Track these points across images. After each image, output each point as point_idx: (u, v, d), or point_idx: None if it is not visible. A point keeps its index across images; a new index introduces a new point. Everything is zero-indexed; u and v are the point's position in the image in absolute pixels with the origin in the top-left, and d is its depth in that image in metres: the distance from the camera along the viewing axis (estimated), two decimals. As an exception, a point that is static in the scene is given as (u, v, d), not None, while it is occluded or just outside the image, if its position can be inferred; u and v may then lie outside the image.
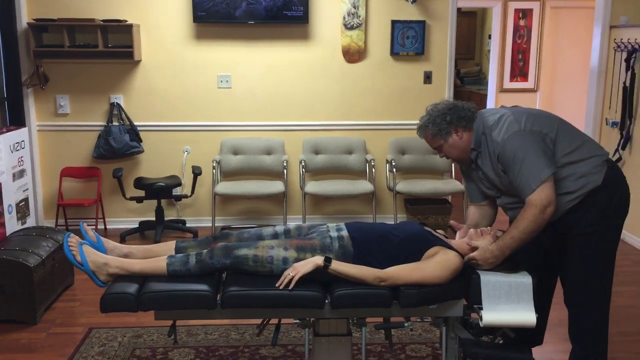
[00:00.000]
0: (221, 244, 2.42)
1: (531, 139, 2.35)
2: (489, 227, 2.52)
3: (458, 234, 2.60)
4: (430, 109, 2.53)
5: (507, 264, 2.44)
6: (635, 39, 4.72)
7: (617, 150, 4.95)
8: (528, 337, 2.71)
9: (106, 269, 2.40)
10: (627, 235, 4.94)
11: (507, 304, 2.36)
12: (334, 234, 2.46)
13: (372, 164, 5.19)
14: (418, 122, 2.57)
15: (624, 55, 4.85)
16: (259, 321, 2.67)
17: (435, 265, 2.34)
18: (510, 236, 2.34)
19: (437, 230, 2.62)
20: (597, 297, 2.53)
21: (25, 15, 4.87)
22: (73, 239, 2.43)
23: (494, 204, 2.64)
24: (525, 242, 2.36)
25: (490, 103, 7.88)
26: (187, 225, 5.22)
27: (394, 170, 5.12)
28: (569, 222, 2.44)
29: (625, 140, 4.87)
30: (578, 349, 2.60)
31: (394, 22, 5.11)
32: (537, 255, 2.54)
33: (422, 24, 5.11)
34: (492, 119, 2.46)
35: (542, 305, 2.53)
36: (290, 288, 2.28)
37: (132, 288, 2.33)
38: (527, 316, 2.36)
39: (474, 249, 2.42)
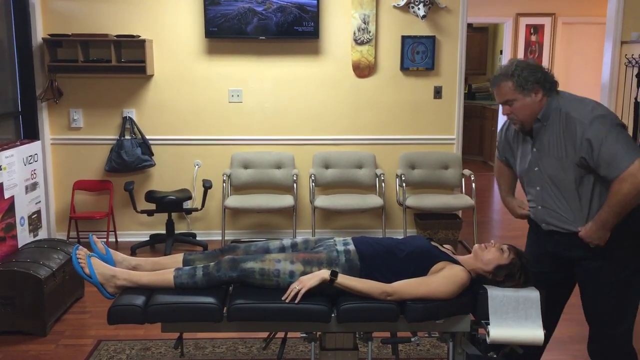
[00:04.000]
0: (228, 257, 2.43)
1: (617, 124, 2.26)
2: (492, 241, 2.51)
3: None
4: (517, 61, 2.40)
5: (514, 280, 2.42)
6: (647, 55, 4.71)
7: (629, 165, 4.91)
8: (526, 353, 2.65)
9: (114, 281, 2.42)
10: None
11: (515, 320, 2.35)
12: (340, 247, 2.47)
13: (382, 178, 5.20)
14: (497, 69, 2.42)
15: (635, 70, 4.83)
16: (266, 335, 2.67)
17: (442, 280, 2.34)
18: (609, 207, 2.23)
19: (444, 246, 2.61)
20: (627, 314, 2.43)
21: (40, 31, 4.95)
22: (81, 252, 2.45)
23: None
24: (620, 216, 2.23)
25: (502, 118, 7.86)
26: (198, 238, 5.24)
27: (404, 184, 5.12)
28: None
29: (637, 155, 4.83)
30: None
31: (404, 38, 5.13)
32: (541, 271, 2.52)
33: (432, 39, 5.13)
34: (572, 97, 2.38)
35: (548, 323, 2.48)
36: (296, 301, 2.29)
37: (139, 300, 2.34)
38: (535, 333, 2.34)
39: (483, 263, 2.42)
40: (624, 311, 2.42)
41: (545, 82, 2.35)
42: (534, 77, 2.34)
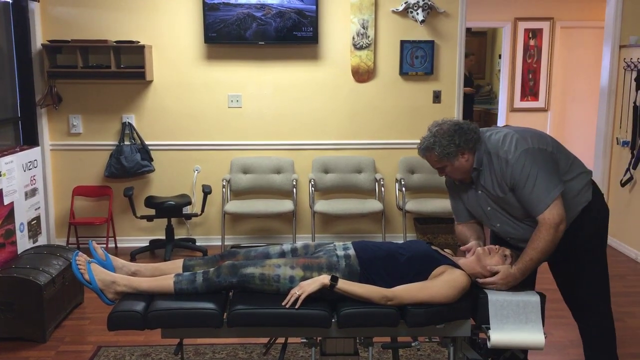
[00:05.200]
0: (228, 263, 2.43)
1: (541, 157, 2.39)
2: (496, 246, 2.51)
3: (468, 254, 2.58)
4: (435, 130, 2.47)
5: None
6: (645, 58, 4.72)
7: (628, 169, 4.93)
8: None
9: (114, 287, 2.41)
10: None
11: (515, 324, 2.34)
12: (340, 252, 2.46)
13: (382, 183, 5.20)
14: (420, 141, 2.52)
15: (634, 74, 4.84)
16: (266, 340, 2.67)
17: (443, 284, 2.34)
18: (530, 258, 2.38)
19: (444, 250, 2.61)
20: (604, 298, 2.65)
21: (39, 37, 4.96)
22: (81, 258, 2.45)
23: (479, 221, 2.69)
24: (542, 262, 2.41)
25: (501, 122, 7.87)
26: (197, 244, 5.24)
27: (403, 189, 5.12)
28: (568, 238, 2.46)
29: (637, 159, 4.84)
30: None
31: (402, 42, 5.14)
32: None
33: (431, 43, 5.14)
34: (495, 137, 2.47)
35: None
36: (296, 307, 2.28)
37: (139, 306, 2.33)
38: (535, 337, 2.34)
39: (488, 272, 2.43)
40: (600, 295, 2.61)
41: (467, 143, 2.44)
42: (454, 143, 2.43)
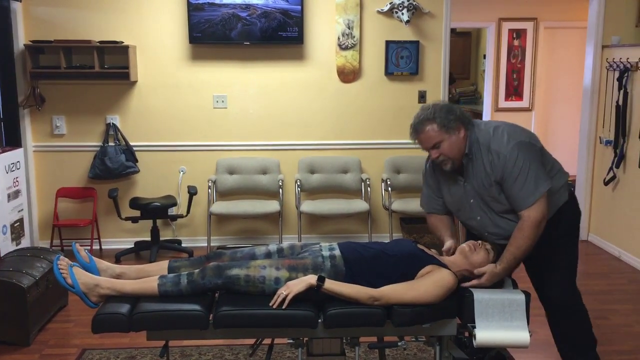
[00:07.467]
0: (213, 264, 2.41)
1: (532, 151, 2.41)
2: (480, 242, 2.52)
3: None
4: (433, 104, 2.48)
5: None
6: (627, 58, 4.77)
7: (611, 168, 4.97)
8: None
9: (97, 290, 2.39)
10: (623, 253, 4.94)
11: (501, 323, 2.36)
12: (326, 253, 2.46)
13: (368, 183, 5.20)
14: (415, 118, 2.47)
15: (616, 74, 4.89)
16: (252, 341, 2.66)
17: (429, 284, 2.34)
18: (513, 257, 2.41)
19: (430, 249, 2.62)
20: (576, 298, 2.70)
21: (22, 37, 4.91)
22: (63, 261, 2.42)
23: (452, 214, 2.73)
24: (523, 259, 2.45)
25: (486, 122, 7.91)
26: (183, 245, 5.21)
27: (389, 189, 5.13)
28: (542, 236, 2.48)
29: (619, 158, 4.89)
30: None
31: (388, 43, 5.15)
32: None
33: (416, 44, 5.16)
34: (484, 128, 2.48)
35: None
36: (283, 307, 2.28)
37: (124, 308, 2.32)
38: (520, 335, 2.36)
39: (474, 269, 2.46)
40: (569, 291, 2.68)
41: (464, 117, 2.45)
42: (454, 115, 2.43)
